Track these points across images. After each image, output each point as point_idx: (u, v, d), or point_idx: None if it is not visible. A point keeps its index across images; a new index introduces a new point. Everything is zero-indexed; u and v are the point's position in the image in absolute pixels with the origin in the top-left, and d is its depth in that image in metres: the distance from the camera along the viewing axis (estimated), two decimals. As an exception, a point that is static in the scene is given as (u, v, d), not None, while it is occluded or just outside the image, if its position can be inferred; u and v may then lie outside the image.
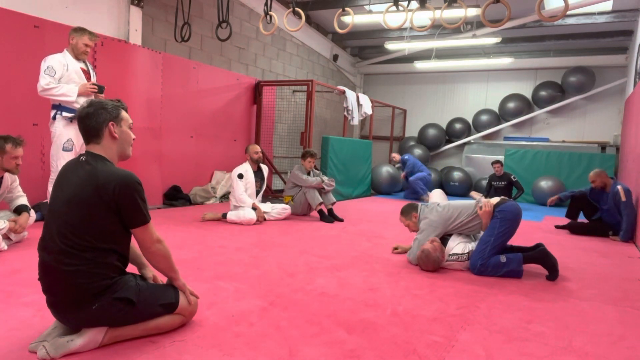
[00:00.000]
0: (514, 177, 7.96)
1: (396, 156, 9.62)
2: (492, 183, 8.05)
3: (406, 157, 9.24)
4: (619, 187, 5.27)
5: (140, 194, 1.98)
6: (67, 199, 1.93)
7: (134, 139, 2.17)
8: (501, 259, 3.48)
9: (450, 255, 3.62)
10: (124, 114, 2.11)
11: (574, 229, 5.77)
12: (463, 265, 3.63)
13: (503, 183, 7.92)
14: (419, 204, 4.06)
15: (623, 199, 5.18)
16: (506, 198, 3.78)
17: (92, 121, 2.02)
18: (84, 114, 2.03)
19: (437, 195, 4.46)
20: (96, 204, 1.90)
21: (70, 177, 1.98)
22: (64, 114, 4.26)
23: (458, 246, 3.64)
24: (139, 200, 1.98)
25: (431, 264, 3.53)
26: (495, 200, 3.74)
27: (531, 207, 8.53)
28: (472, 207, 3.74)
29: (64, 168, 2.08)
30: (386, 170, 9.82)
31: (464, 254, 3.60)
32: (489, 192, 8.06)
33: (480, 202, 3.73)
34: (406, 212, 4.01)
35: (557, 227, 6.01)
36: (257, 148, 5.63)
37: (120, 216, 1.95)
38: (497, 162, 7.95)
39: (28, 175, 4.93)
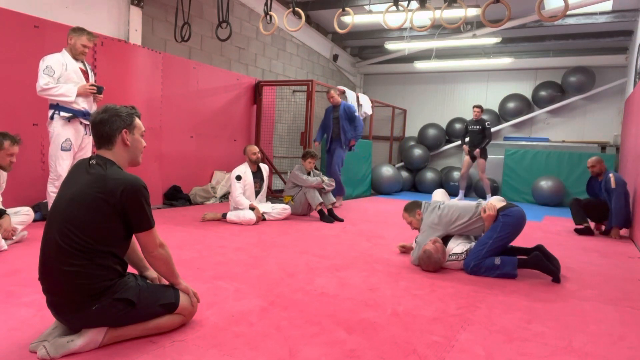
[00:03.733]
0: (488, 124, 8.43)
1: (335, 97, 7.28)
2: (468, 127, 8.62)
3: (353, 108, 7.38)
4: (610, 174, 5.43)
5: (146, 199, 2.00)
6: (71, 198, 1.94)
7: (144, 146, 2.18)
8: (495, 261, 3.46)
9: (450, 255, 3.62)
10: (137, 121, 2.13)
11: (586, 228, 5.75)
12: (462, 265, 3.63)
13: (478, 127, 8.47)
14: (423, 201, 4.04)
15: (613, 185, 5.35)
16: (512, 203, 3.76)
17: (106, 127, 2.02)
18: (98, 120, 2.03)
19: (439, 195, 4.44)
20: (101, 206, 1.90)
21: (78, 177, 1.99)
22: (62, 113, 4.25)
23: (458, 247, 3.64)
24: (145, 205, 1.99)
25: (432, 264, 3.53)
26: (500, 203, 3.71)
27: (531, 207, 8.54)
28: (473, 209, 3.71)
29: (73, 168, 2.10)
30: (386, 170, 9.82)
31: (463, 252, 3.60)
32: (464, 135, 8.69)
33: (483, 204, 3.72)
34: (410, 209, 3.96)
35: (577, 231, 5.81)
36: (255, 149, 5.63)
37: (125, 220, 1.96)
38: (478, 106, 8.46)
39: (28, 175, 4.94)
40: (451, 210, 3.75)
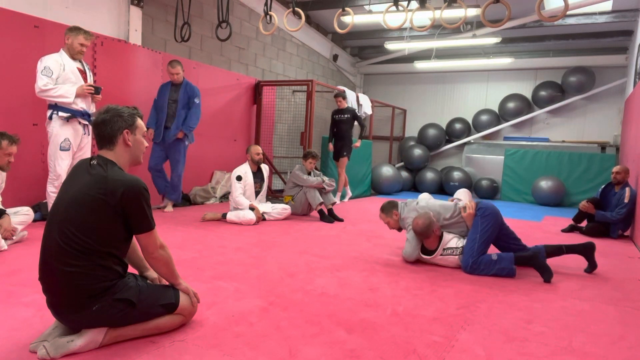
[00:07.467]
0: (357, 110, 8.16)
1: (180, 73, 5.67)
2: (334, 116, 7.78)
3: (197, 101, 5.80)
4: (627, 188, 5.52)
5: (146, 200, 2.00)
6: (72, 198, 1.94)
7: (146, 147, 2.18)
8: (492, 257, 3.52)
9: (445, 249, 3.64)
10: (139, 122, 2.13)
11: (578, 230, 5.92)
12: (458, 261, 3.64)
13: (346, 116, 7.68)
14: (399, 202, 4.09)
15: (626, 200, 5.45)
16: (480, 200, 3.84)
17: (108, 128, 2.03)
18: (100, 120, 2.04)
19: (425, 198, 4.53)
20: (101, 208, 1.90)
21: (79, 178, 1.99)
22: (60, 113, 4.25)
23: (452, 240, 3.69)
24: (145, 207, 1.99)
25: (428, 227, 3.60)
26: (474, 202, 3.81)
27: (531, 207, 8.54)
28: (452, 207, 3.81)
29: (73, 169, 2.10)
30: (386, 170, 9.82)
31: (458, 247, 3.63)
32: (333, 129, 7.80)
33: (461, 203, 3.79)
34: (387, 210, 4.04)
35: (564, 230, 5.97)
36: (259, 149, 5.63)
37: (126, 221, 1.96)
38: (338, 94, 7.79)
39: (28, 175, 4.93)
40: (430, 206, 3.83)
